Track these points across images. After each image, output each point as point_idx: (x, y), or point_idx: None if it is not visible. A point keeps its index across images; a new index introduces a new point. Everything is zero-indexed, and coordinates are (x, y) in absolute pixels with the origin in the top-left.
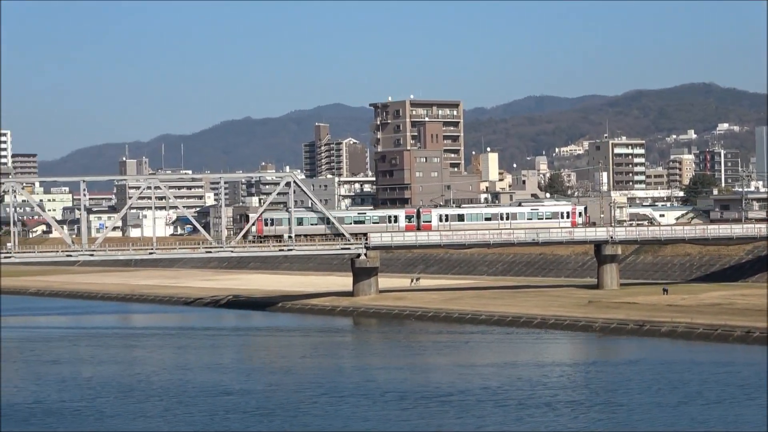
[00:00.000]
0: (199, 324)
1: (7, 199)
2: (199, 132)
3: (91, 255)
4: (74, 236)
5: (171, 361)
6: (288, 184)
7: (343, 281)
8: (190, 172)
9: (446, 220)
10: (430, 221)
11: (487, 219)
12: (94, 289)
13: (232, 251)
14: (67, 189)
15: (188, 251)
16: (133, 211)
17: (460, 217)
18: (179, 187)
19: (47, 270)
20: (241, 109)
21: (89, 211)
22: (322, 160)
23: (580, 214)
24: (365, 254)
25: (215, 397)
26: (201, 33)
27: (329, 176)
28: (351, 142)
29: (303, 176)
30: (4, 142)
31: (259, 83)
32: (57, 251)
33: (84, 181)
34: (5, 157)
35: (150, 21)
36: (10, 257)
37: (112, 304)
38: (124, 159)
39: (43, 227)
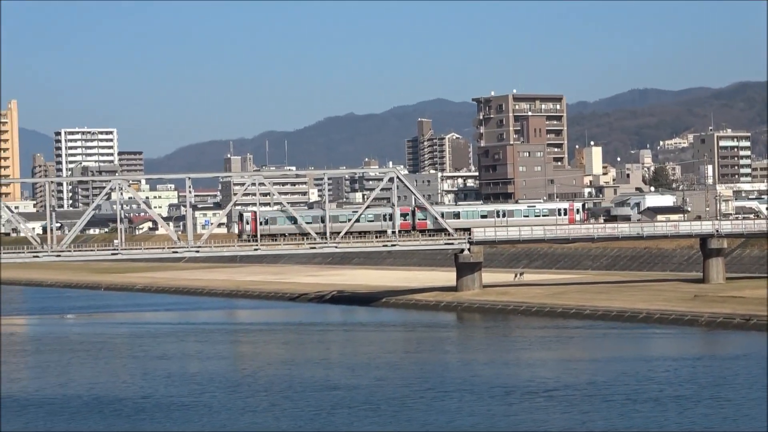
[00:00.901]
0: (304, 319)
1: (114, 196)
2: (302, 128)
3: (197, 251)
4: (180, 233)
5: (277, 357)
6: (391, 179)
7: (447, 276)
8: (293, 168)
9: (441, 217)
10: (426, 219)
11: (482, 216)
12: (199, 286)
13: (336, 246)
14: (172, 186)
15: (293, 247)
16: (238, 207)
17: (456, 215)
18: (283, 184)
19: (153, 266)
20: (344, 106)
21: (194, 207)
22: (425, 156)
23: (577, 211)
24: (468, 249)
25: (321, 392)
26: (305, 32)
27: (432, 171)
28: (454, 137)
29: (406, 172)
30: (111, 140)
31: (362, 79)
32: (163, 248)
33: (189, 178)
34: (112, 155)
35: (258, 20)
36: (117, 254)
37: (218, 300)
38: (228, 156)
39: (149, 224)
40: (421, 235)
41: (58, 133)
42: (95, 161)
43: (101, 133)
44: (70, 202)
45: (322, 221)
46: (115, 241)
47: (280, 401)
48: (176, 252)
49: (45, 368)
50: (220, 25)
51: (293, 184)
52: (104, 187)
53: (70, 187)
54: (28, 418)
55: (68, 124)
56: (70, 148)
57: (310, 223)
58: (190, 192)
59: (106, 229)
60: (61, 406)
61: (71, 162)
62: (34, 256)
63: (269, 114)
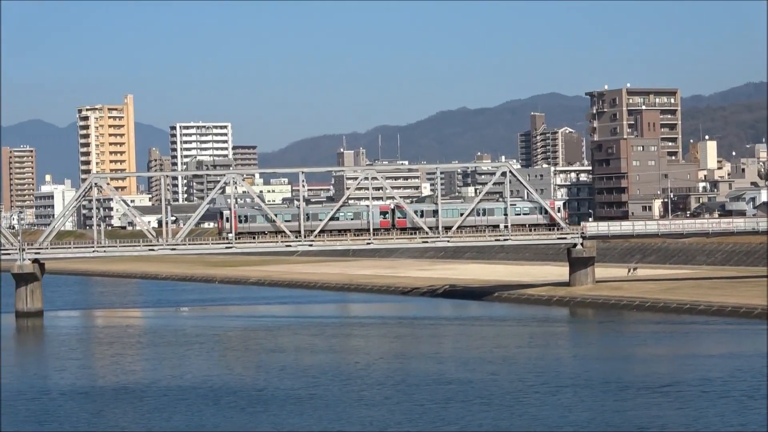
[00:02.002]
0: (417, 314)
1: (228, 190)
2: (414, 123)
3: (310, 245)
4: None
5: (389, 351)
6: (504, 173)
7: (559, 271)
8: (406, 162)
9: (421, 216)
10: (405, 217)
11: (461, 215)
12: (312, 279)
13: (448, 241)
14: (286, 180)
15: (405, 241)
16: (351, 201)
17: (435, 213)
18: (396, 178)
19: (267, 260)
20: (457, 100)
21: (308, 201)
22: (538, 150)
23: (558, 209)
24: (581, 244)
25: (435, 386)
26: (419, 28)
27: (545, 166)
28: (567, 132)
29: (518, 166)
30: (225, 134)
31: (475, 74)
32: (276, 241)
33: (303, 172)
34: (226, 149)
35: (372, 17)
36: (231, 247)
37: (331, 294)
38: (341, 150)
39: None
40: (402, 233)
41: (174, 128)
42: (210, 155)
43: (216, 127)
44: (185, 195)
45: (307, 219)
46: (229, 234)
47: (394, 395)
48: (289, 246)
49: (160, 360)
50: (334, 22)
51: (405, 178)
52: (219, 181)
53: (185, 181)
54: (144, 409)
55: (183, 118)
56: (185, 142)
57: (289, 221)
58: (303, 186)
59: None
60: (176, 398)
61: (186, 156)
62: (150, 249)
63: (382, 108)
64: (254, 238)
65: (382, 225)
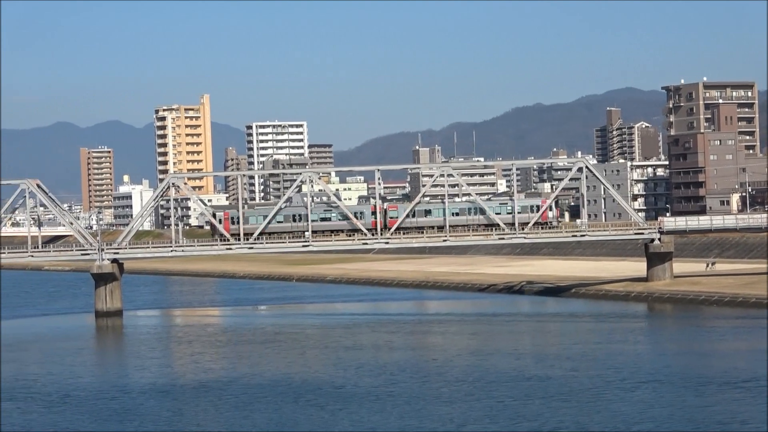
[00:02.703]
0: (494, 310)
1: (305, 188)
2: (490, 119)
3: (386, 243)
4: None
5: (467, 347)
6: (580, 169)
7: (637, 267)
8: (482, 159)
9: (413, 216)
10: (397, 217)
11: (454, 214)
12: (389, 277)
13: (524, 237)
14: (362, 178)
15: (481, 238)
16: (427, 198)
17: (427, 212)
18: (471, 174)
19: (344, 258)
20: (532, 95)
21: (384, 199)
22: (614, 145)
23: (550, 207)
24: (659, 239)
25: (514, 382)
26: (492, 25)
27: (621, 161)
28: (643, 126)
29: (595, 161)
30: (301, 133)
31: (550, 69)
32: (353, 239)
33: (378, 170)
34: (302, 147)
35: (447, 15)
36: (308, 245)
37: (407, 291)
38: (417, 147)
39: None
40: (396, 233)
41: (250, 127)
42: (286, 154)
43: (292, 126)
44: (262, 194)
45: (294, 220)
46: (306, 233)
47: (473, 391)
48: (366, 243)
49: (239, 358)
50: (408, 21)
51: (481, 174)
52: (295, 180)
53: (261, 179)
54: (224, 407)
55: (259, 117)
56: (262, 141)
57: (282, 222)
58: (379, 184)
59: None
60: (256, 396)
61: (262, 155)
62: (227, 249)
63: (457, 105)
64: (247, 239)
65: (372, 225)
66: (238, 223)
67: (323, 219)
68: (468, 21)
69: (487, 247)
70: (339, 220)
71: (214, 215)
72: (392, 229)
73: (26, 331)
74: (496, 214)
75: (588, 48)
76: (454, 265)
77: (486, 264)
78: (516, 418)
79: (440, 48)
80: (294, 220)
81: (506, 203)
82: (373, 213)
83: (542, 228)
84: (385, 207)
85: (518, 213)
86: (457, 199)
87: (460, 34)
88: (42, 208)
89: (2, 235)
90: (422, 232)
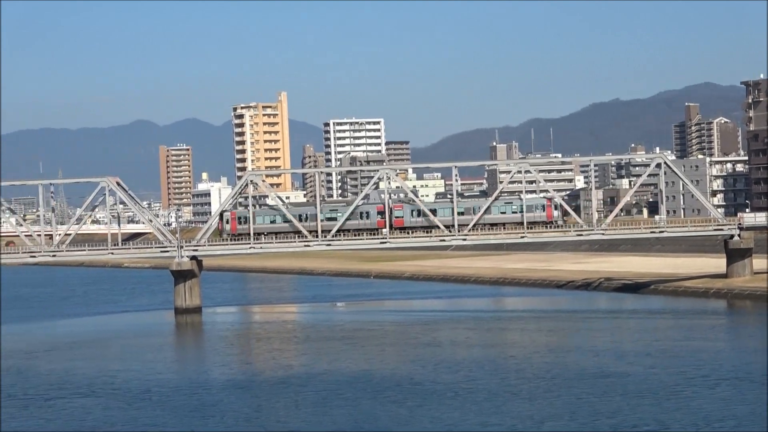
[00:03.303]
0: (572, 307)
1: (382, 185)
2: (567, 115)
3: (464, 239)
4: None
5: (545, 344)
6: (658, 165)
7: (716, 263)
8: (559, 155)
9: (418, 215)
10: (402, 216)
11: (460, 213)
12: (467, 273)
13: (602, 234)
14: (439, 175)
15: (559, 234)
16: (504, 195)
17: (433, 212)
18: (549, 171)
19: (421, 254)
20: (610, 91)
21: (461, 195)
22: (693, 141)
23: (555, 206)
24: (738, 235)
25: (592, 379)
26: (570, 21)
27: (700, 157)
28: (722, 122)
29: (673, 157)
30: (378, 130)
31: (628, 65)
32: (430, 236)
33: (456, 166)
34: (379, 144)
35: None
36: (385, 242)
37: (485, 288)
38: (494, 144)
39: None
40: (401, 232)
41: (327, 124)
42: (363, 151)
43: (369, 123)
44: (339, 191)
45: (301, 219)
46: (384, 230)
47: (552, 388)
48: (443, 240)
49: (318, 355)
50: (487, 19)
51: (559, 171)
52: (372, 177)
53: (338, 177)
54: (303, 403)
55: (337, 115)
56: (339, 138)
57: (289, 222)
58: (456, 180)
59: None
60: (334, 392)
61: (340, 152)
62: (306, 246)
63: (534, 101)
64: (258, 238)
65: (379, 225)
66: (245, 223)
67: (329, 219)
68: (546, 18)
69: (564, 243)
70: (347, 219)
71: (221, 215)
72: (392, 228)
73: (107, 328)
74: (502, 213)
75: (666, 44)
76: (532, 262)
77: (563, 261)
78: (595, 415)
79: (518, 44)
80: (301, 220)
81: (511, 203)
82: (380, 213)
83: (547, 227)
84: (390, 206)
85: (521, 213)
86: (461, 199)
87: (537, 30)
88: (122, 206)
89: (82, 232)
90: (428, 232)
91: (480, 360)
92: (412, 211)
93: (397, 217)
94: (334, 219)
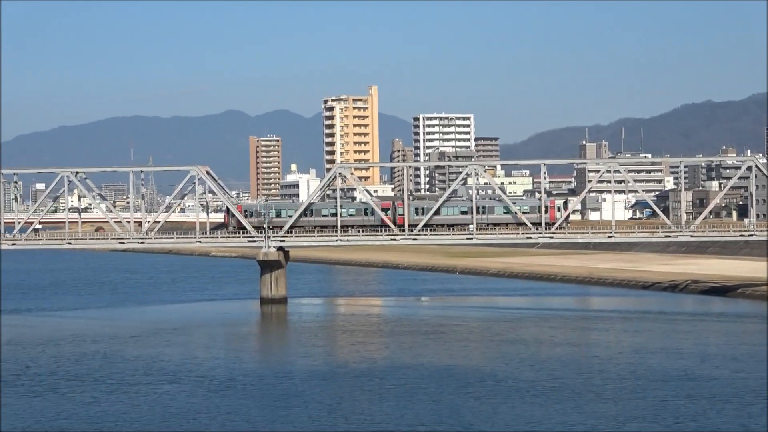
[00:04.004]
0: (658, 308)
1: (470, 181)
2: (658, 115)
3: (551, 237)
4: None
5: (629, 345)
6: (749, 168)
7: None
8: (649, 155)
9: (422, 213)
10: (404, 214)
11: (462, 213)
12: (552, 272)
13: (691, 235)
14: (527, 172)
15: (647, 235)
16: (592, 194)
17: (436, 211)
18: (638, 171)
19: (507, 251)
20: (702, 93)
21: (549, 193)
22: None
23: (558, 208)
24: None
25: (675, 381)
26: (662, 22)
27: None
28: None
29: (764, 160)
30: (468, 125)
31: (721, 66)
32: (517, 233)
33: (545, 164)
34: (468, 140)
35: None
36: (471, 238)
37: (570, 287)
38: (583, 142)
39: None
40: (401, 230)
41: (417, 119)
42: (452, 146)
43: (458, 118)
44: (427, 186)
45: (306, 214)
46: (470, 225)
47: (636, 389)
48: (530, 237)
49: (401, 349)
50: (578, 18)
51: (648, 171)
52: (460, 172)
53: (427, 171)
54: (385, 396)
55: (427, 109)
56: (428, 133)
57: (292, 216)
58: (545, 178)
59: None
60: (417, 385)
61: (429, 147)
62: (392, 239)
63: (625, 101)
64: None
65: (383, 222)
66: (252, 216)
67: (333, 214)
68: (640, 18)
69: (651, 244)
70: (350, 215)
71: (228, 210)
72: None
73: (193, 315)
74: (504, 213)
75: (759, 45)
76: (618, 262)
77: (650, 261)
78: (679, 418)
79: (610, 43)
80: (305, 215)
81: (515, 203)
82: (384, 210)
83: (548, 228)
84: (394, 204)
85: (525, 213)
86: (458, 198)
87: (629, 29)
88: (211, 195)
89: (171, 220)
90: (434, 230)
91: (564, 359)
92: (416, 209)
93: (399, 215)
94: (334, 215)
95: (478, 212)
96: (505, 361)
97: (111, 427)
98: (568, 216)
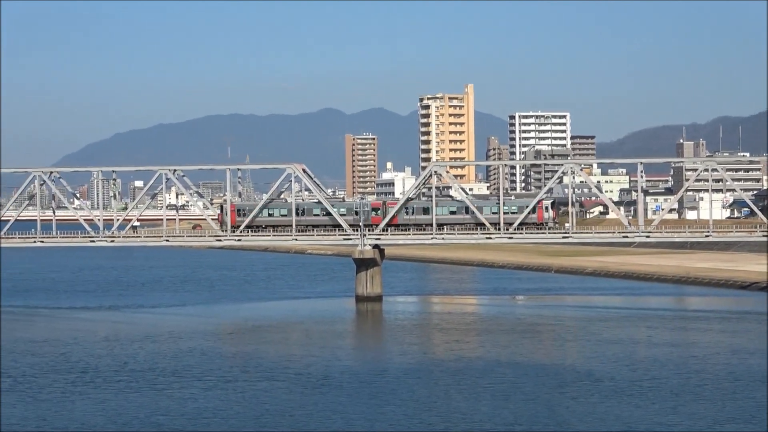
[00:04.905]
0: (757, 308)
1: (566, 180)
2: (757, 114)
3: (647, 237)
4: (630, 218)
5: (728, 345)
6: None
7: None
8: (747, 154)
9: (412, 213)
10: (395, 214)
11: (452, 212)
12: (649, 271)
13: None
14: (623, 171)
15: (744, 234)
16: (690, 193)
17: (425, 210)
18: (736, 170)
19: (603, 250)
20: None
21: (645, 192)
22: None
23: (546, 208)
24: None
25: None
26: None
27: None
28: None
29: None
30: (564, 124)
31: None
32: (613, 232)
33: (641, 163)
34: (564, 138)
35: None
36: (567, 237)
37: (667, 287)
38: (681, 141)
39: (600, 208)
40: (396, 229)
41: (513, 117)
42: (548, 145)
43: (555, 116)
44: (523, 185)
45: (298, 213)
46: (566, 224)
47: (734, 390)
48: (626, 237)
49: (496, 347)
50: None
51: (746, 170)
52: (556, 171)
53: (522, 170)
54: (483, 394)
55: (522, 107)
56: (524, 131)
57: (286, 215)
58: (641, 177)
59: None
60: (514, 384)
61: (524, 145)
62: (487, 238)
63: (723, 99)
64: (257, 231)
65: (374, 221)
66: (245, 215)
67: (327, 214)
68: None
69: (749, 244)
70: (341, 215)
71: (221, 207)
72: (381, 226)
73: (289, 313)
74: (493, 213)
75: None
76: (716, 262)
77: (748, 261)
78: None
79: (707, 42)
80: (298, 214)
81: (505, 203)
82: (375, 209)
83: (538, 228)
84: (384, 203)
85: (513, 213)
86: (445, 198)
87: (727, 28)
88: (307, 193)
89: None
90: (423, 229)
91: (661, 359)
92: (407, 209)
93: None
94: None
95: (466, 213)
96: (601, 361)
97: (207, 424)
98: (556, 216)
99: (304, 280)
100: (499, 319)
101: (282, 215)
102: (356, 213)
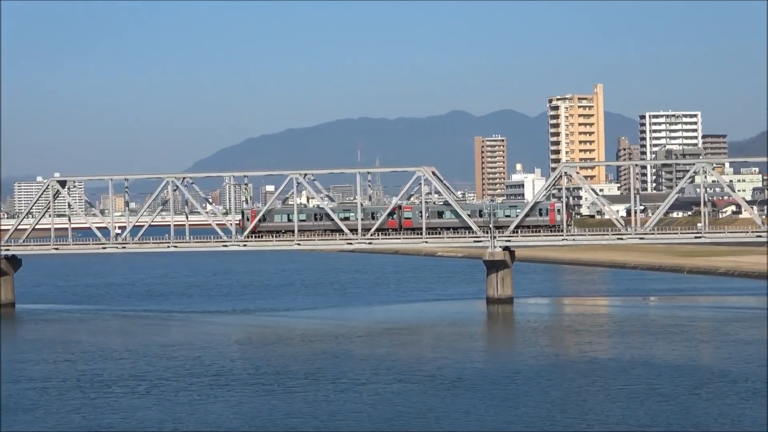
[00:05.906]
0: None
1: (698, 179)
2: None
3: None
4: (764, 217)
5: None
6: None
7: None
8: None
9: (428, 217)
10: (411, 217)
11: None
12: None
13: None
14: (756, 169)
15: None
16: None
17: (440, 214)
18: None
19: (737, 250)
20: None
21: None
22: None
23: (558, 210)
24: None
25: None
26: None
27: None
28: None
29: None
30: (695, 123)
31: None
32: (747, 231)
33: None
34: (696, 137)
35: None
36: (700, 237)
37: None
38: None
39: (733, 207)
40: (411, 233)
41: (643, 116)
42: (679, 144)
43: (685, 116)
44: (654, 185)
45: (315, 218)
46: (699, 224)
47: None
48: (760, 236)
49: (630, 348)
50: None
51: None
52: (688, 171)
53: (653, 170)
54: (618, 396)
55: (653, 107)
56: (654, 131)
57: (304, 220)
58: None
59: (689, 213)
60: (649, 386)
61: (655, 145)
62: (618, 238)
63: None
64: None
65: (389, 225)
66: (264, 220)
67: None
68: None
69: None
70: (331, 219)
71: (242, 213)
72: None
73: (420, 315)
74: (506, 216)
75: None
76: None
77: None
78: None
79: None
80: (316, 219)
81: (516, 206)
82: (390, 214)
83: (551, 231)
84: (399, 207)
85: (525, 216)
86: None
87: None
88: (436, 195)
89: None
90: (439, 233)
91: None
92: (421, 212)
93: (406, 218)
94: (347, 219)
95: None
96: (737, 362)
97: (340, 426)
98: (569, 219)
99: (435, 282)
100: (632, 320)
101: (301, 220)
102: (480, 214)
